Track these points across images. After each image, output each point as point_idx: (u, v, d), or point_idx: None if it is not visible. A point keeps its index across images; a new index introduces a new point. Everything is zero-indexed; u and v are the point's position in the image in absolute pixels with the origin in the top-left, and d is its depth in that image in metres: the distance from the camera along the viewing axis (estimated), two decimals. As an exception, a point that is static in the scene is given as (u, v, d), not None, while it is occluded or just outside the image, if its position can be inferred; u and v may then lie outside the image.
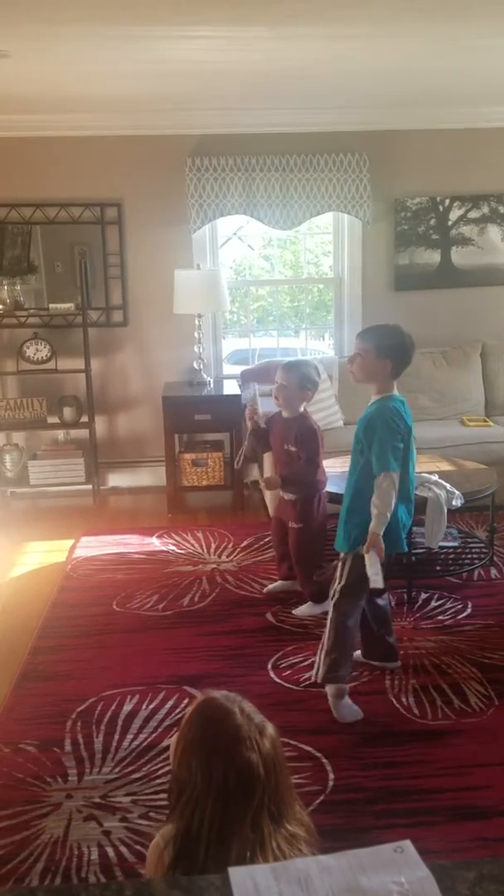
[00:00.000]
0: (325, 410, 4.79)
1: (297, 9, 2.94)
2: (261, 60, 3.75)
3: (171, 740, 1.58)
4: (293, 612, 3.57)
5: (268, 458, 4.23)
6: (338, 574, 2.84)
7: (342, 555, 2.85)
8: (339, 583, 2.83)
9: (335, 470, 3.67)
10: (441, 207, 5.30)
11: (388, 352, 2.72)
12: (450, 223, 5.32)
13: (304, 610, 3.56)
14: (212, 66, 3.83)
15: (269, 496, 4.47)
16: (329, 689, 2.82)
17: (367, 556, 2.70)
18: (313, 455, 3.46)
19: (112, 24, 3.11)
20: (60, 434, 5.29)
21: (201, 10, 2.93)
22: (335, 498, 3.60)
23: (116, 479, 5.50)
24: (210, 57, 3.65)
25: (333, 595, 2.85)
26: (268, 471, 4.19)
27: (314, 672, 2.94)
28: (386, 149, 5.14)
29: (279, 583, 3.80)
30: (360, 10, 2.99)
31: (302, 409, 3.51)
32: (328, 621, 2.86)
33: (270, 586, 3.82)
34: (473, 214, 5.32)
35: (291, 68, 3.92)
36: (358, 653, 3.13)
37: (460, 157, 5.23)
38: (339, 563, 2.85)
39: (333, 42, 3.48)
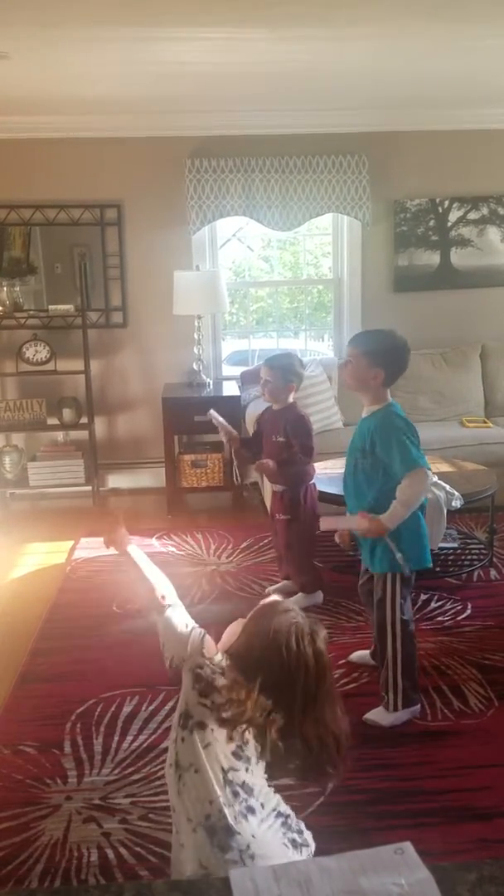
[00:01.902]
0: (325, 412, 4.79)
1: (297, 11, 2.94)
2: (260, 62, 3.76)
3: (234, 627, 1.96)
4: None
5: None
6: (388, 598, 2.69)
7: (376, 576, 2.74)
8: (394, 605, 2.68)
9: (335, 470, 3.67)
10: (440, 209, 5.30)
11: (380, 360, 2.58)
12: (449, 224, 5.33)
13: (296, 601, 3.57)
14: (211, 68, 3.83)
15: (268, 496, 4.47)
16: (406, 715, 2.74)
17: (347, 520, 2.71)
18: (307, 440, 3.47)
19: (112, 25, 3.11)
20: (60, 435, 5.29)
21: (201, 12, 2.93)
22: (326, 497, 3.61)
23: (116, 481, 5.50)
24: (210, 58, 3.66)
25: (393, 620, 2.69)
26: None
27: (390, 702, 2.73)
28: (385, 150, 5.15)
29: (283, 583, 3.81)
30: (360, 12, 3.00)
31: (290, 399, 3.53)
32: (393, 647, 2.71)
33: (273, 587, 3.82)
34: (473, 216, 5.33)
35: (291, 70, 3.92)
36: (365, 652, 3.13)
37: (460, 158, 5.24)
38: (382, 593, 2.71)
39: (333, 44, 3.49)
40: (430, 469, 2.59)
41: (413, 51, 3.64)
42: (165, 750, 2.58)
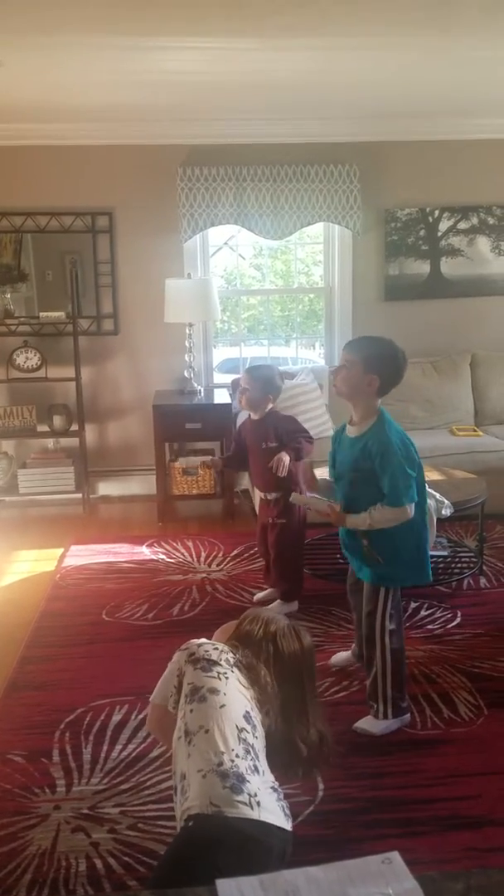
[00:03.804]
0: (315, 420, 4.80)
1: (290, 22, 2.96)
2: (253, 72, 3.78)
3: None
4: None
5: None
6: (378, 611, 2.68)
7: (366, 586, 2.73)
8: (384, 618, 2.68)
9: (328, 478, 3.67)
10: (431, 218, 5.33)
11: (377, 366, 2.51)
12: (439, 234, 5.36)
13: (273, 608, 3.57)
14: (204, 77, 3.85)
15: (259, 503, 4.47)
16: (397, 724, 2.75)
17: (316, 502, 2.77)
18: (303, 430, 3.53)
19: (106, 34, 3.12)
20: (50, 442, 5.28)
21: (195, 22, 2.95)
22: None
23: (106, 488, 5.49)
24: (202, 68, 3.67)
25: (382, 632, 2.68)
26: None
27: (379, 712, 2.72)
28: (376, 160, 5.18)
29: (269, 591, 3.81)
30: (352, 23, 3.02)
31: (268, 408, 3.56)
32: (382, 658, 2.70)
33: (260, 594, 3.83)
34: (463, 225, 5.36)
35: (283, 80, 3.95)
36: (346, 653, 3.13)
37: (450, 168, 5.27)
38: (372, 606, 2.70)
39: (325, 54, 3.51)
40: (415, 501, 2.54)
41: (404, 62, 3.67)
42: (154, 760, 2.59)
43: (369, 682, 2.76)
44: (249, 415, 3.65)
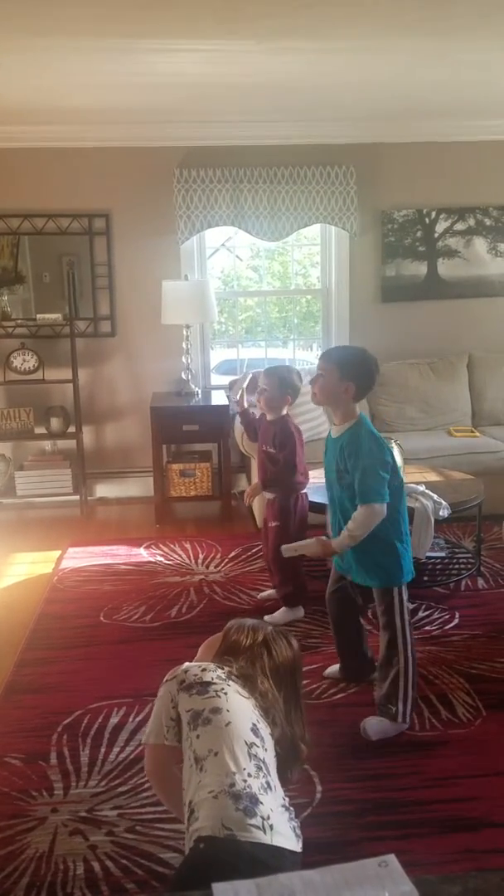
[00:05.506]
0: (313, 421, 4.80)
1: (285, 24, 2.97)
2: (249, 74, 3.78)
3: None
4: (265, 618, 3.50)
5: (254, 465, 4.24)
6: (395, 609, 2.70)
7: (376, 592, 2.74)
8: (402, 613, 2.70)
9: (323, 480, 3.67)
10: (427, 220, 5.34)
11: (351, 373, 2.63)
12: (436, 235, 5.36)
13: (278, 616, 3.55)
14: (200, 79, 3.85)
15: (257, 507, 4.47)
16: (401, 727, 2.75)
17: (305, 546, 2.74)
18: (290, 456, 3.48)
19: (103, 36, 3.13)
20: (48, 444, 5.28)
21: (191, 24, 2.95)
22: (316, 507, 3.61)
23: (104, 490, 5.48)
24: (199, 70, 3.68)
25: (403, 628, 2.70)
26: (255, 477, 4.20)
27: (399, 713, 2.71)
28: (373, 161, 5.18)
29: (272, 591, 3.80)
30: (348, 25, 3.03)
31: (284, 412, 3.55)
32: (405, 656, 2.71)
33: (263, 594, 3.83)
34: (459, 227, 5.36)
35: (278, 82, 3.95)
36: (336, 667, 3.11)
37: (446, 169, 5.27)
38: (388, 605, 2.71)
39: (320, 56, 3.51)
40: (387, 502, 2.60)
41: (399, 63, 3.67)
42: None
43: (388, 683, 2.73)
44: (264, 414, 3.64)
